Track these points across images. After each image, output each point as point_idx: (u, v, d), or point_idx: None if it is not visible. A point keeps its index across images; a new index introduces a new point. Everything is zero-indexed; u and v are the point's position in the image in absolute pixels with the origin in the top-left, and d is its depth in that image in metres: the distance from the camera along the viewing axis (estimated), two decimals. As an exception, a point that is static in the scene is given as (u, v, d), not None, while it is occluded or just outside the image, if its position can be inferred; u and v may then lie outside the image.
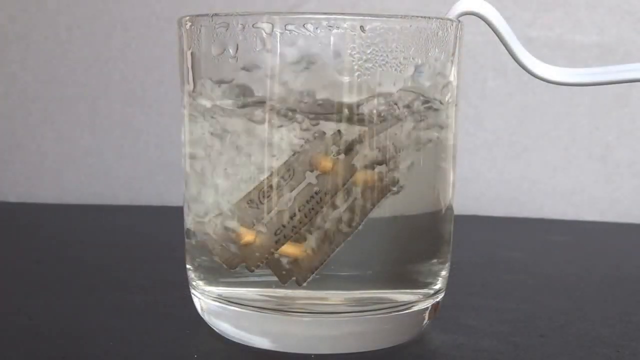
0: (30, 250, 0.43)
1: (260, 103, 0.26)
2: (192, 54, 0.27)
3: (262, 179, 0.26)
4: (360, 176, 0.26)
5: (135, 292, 0.35)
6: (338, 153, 0.26)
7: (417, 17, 0.26)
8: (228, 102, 0.26)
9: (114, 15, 0.57)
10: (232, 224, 0.27)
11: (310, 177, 0.26)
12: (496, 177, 0.57)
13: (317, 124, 0.25)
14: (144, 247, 0.44)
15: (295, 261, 0.26)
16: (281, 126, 0.26)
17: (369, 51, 0.25)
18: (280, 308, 0.27)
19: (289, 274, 0.26)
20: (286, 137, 0.26)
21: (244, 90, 0.26)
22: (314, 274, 0.26)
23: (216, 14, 0.26)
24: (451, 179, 0.29)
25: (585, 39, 0.55)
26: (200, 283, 0.29)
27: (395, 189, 0.26)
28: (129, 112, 0.58)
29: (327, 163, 0.26)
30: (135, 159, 0.59)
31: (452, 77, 0.28)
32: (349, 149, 0.26)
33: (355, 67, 0.25)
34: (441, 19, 0.27)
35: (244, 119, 0.26)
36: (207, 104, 0.27)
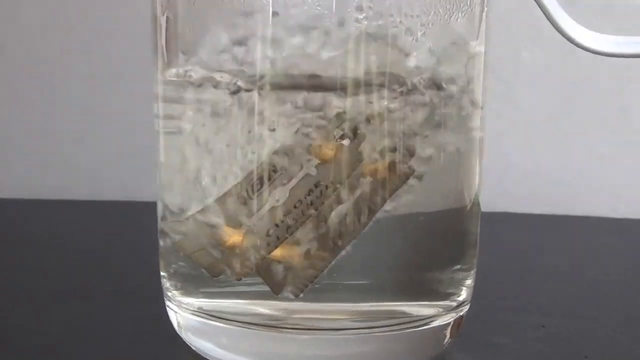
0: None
1: (250, 78, 0.26)
2: (167, 19, 0.27)
3: (251, 169, 0.26)
4: (369, 166, 0.26)
5: (99, 304, 0.35)
6: (342, 138, 0.26)
7: (438, -26, 0.26)
8: (211, 77, 0.26)
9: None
10: (215, 222, 0.27)
11: (309, 167, 0.26)
12: (532, 167, 0.58)
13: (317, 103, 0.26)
14: (110, 251, 0.44)
15: (290, 267, 0.26)
16: (274, 106, 0.26)
17: (379, 16, 0.25)
18: (273, 324, 0.27)
19: (283, 283, 0.26)
20: (280, 119, 0.26)
21: (231, 64, 0.26)
22: (312, 283, 0.26)
23: (196, -29, 0.26)
24: (478, 169, 0.29)
25: (638, 1, 0.55)
26: (177, 294, 0.29)
27: (410, 181, 0.27)
28: (91, 90, 0.58)
29: (328, 150, 0.26)
30: (99, 145, 0.59)
31: (479, 47, 0.28)
32: (355, 133, 0.26)
33: (363, 36, 0.25)
34: (466, -23, 0.27)
35: (229, 98, 0.26)
36: (186, 80, 0.27)
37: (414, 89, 0.26)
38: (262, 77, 0.26)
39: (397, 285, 0.28)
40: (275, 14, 0.25)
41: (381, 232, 0.27)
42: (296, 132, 0.26)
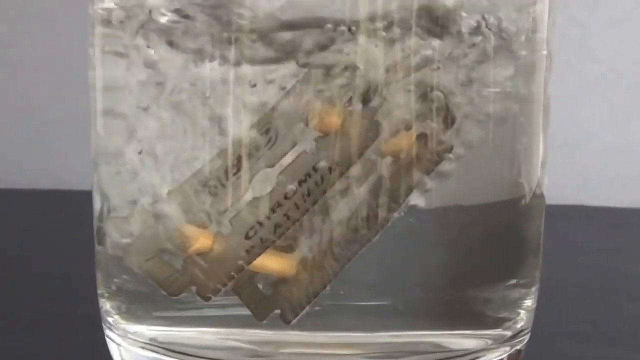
0: None
1: (222, 14, 0.26)
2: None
3: (224, 143, 0.26)
4: (390, 140, 0.26)
5: (18, 332, 0.35)
6: (352, 101, 0.26)
7: None
8: (169, 19, 0.26)
9: None
10: (174, 219, 0.27)
11: (306, 142, 0.26)
12: (615, 141, 0.57)
13: (316, 51, 0.25)
14: (25, 257, 0.44)
15: (280, 283, 0.26)
16: (255, 55, 0.26)
17: None
18: (256, 362, 0.27)
19: (269, 305, 0.27)
20: (264, 75, 0.26)
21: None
22: (311, 304, 0.26)
23: None
24: (541, 145, 0.29)
25: None
26: (121, 320, 0.29)
27: (447, 162, 0.26)
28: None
29: (333, 118, 0.26)
30: (11, 116, 0.59)
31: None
32: (371, 95, 0.26)
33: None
34: None
35: (193, 46, 0.26)
36: (135, 24, 0.27)
37: (455, 31, 0.26)
38: (239, 18, 0.26)
39: (429, 308, 0.28)
40: None
41: (406, 233, 0.27)
42: (288, 92, 0.26)
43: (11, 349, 0.34)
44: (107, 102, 0.29)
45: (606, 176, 0.58)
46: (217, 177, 0.26)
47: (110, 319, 0.30)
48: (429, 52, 0.26)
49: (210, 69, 0.26)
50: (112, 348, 0.30)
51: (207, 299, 0.27)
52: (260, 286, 0.27)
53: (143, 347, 0.29)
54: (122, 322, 0.29)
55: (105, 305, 0.30)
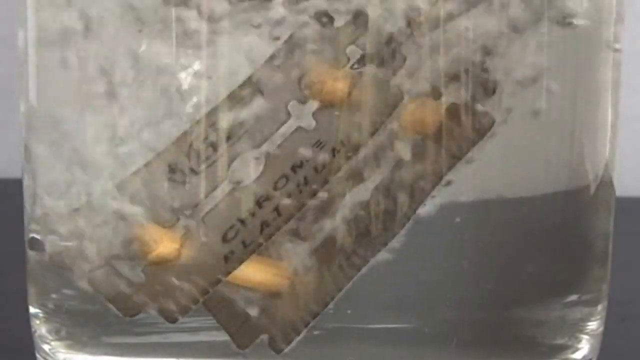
0: None
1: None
2: None
3: (194, 120, 0.26)
4: (411, 113, 0.26)
5: None
6: (362, 62, 0.25)
7: None
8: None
9: None
10: (129, 216, 0.27)
11: (302, 115, 0.26)
12: None
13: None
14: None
15: (268, 300, 0.26)
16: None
17: None
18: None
19: (254, 329, 0.27)
20: (245, 27, 0.26)
21: None
22: (308, 327, 0.26)
23: None
24: (609, 121, 0.29)
25: None
26: (61, 347, 0.29)
27: (486, 141, 0.26)
28: None
29: (336, 83, 0.26)
30: None
31: None
32: (386, 54, 0.26)
33: None
34: None
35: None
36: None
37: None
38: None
39: (462, 332, 0.28)
40: None
41: (433, 235, 0.27)
42: (278, 50, 0.26)
43: None
44: (44, 60, 0.29)
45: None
46: (188, 158, 0.26)
47: (46, 347, 0.30)
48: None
49: (181, 21, 0.26)
50: (50, 383, 0.30)
51: (174, 320, 0.27)
52: (242, 304, 0.27)
53: (89, 383, 0.29)
54: (62, 350, 0.29)
55: (40, 329, 0.30)
